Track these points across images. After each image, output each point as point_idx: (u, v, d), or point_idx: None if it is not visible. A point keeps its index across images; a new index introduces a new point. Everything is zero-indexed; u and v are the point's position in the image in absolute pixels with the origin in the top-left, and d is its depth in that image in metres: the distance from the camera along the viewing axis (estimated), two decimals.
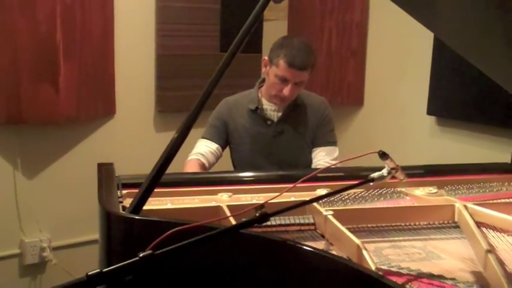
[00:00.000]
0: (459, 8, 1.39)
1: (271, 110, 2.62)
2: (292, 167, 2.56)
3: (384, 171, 1.46)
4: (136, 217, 1.44)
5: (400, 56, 3.43)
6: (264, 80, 2.66)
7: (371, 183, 1.45)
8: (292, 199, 1.87)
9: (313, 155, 2.64)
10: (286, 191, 1.47)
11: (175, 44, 3.33)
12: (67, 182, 3.10)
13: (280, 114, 2.61)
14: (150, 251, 1.12)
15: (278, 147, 2.61)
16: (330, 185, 2.01)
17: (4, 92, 2.78)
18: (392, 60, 3.51)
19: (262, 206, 1.27)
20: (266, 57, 2.56)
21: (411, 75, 3.38)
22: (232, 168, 2.73)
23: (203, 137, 2.64)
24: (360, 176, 1.67)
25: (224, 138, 2.65)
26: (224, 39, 3.34)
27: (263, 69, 2.59)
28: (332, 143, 2.67)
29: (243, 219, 1.25)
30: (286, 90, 2.48)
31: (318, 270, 1.26)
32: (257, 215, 1.25)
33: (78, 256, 3.11)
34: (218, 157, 2.64)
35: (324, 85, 3.70)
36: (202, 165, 2.54)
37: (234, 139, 2.65)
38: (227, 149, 2.72)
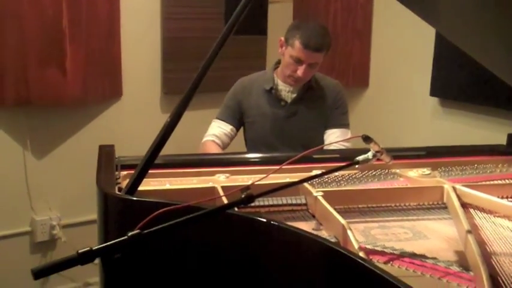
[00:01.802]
0: (460, 5, 1.43)
1: (286, 91, 2.65)
2: (305, 148, 2.60)
3: (369, 154, 1.50)
4: (131, 198, 1.50)
5: (404, 37, 3.44)
6: (279, 62, 2.69)
7: (356, 166, 1.49)
8: (288, 180, 1.92)
9: (325, 136, 2.68)
10: (273, 172, 1.51)
11: (180, 27, 3.37)
12: (75, 162, 3.17)
13: (294, 95, 2.65)
14: (138, 231, 1.18)
15: (291, 128, 2.65)
16: (326, 166, 2.03)
17: (12, 74, 2.85)
18: (396, 41, 3.52)
19: (248, 187, 1.32)
20: (282, 38, 2.59)
21: (415, 56, 3.39)
22: (244, 147, 2.78)
23: (217, 118, 2.70)
24: (353, 158, 1.70)
25: (238, 118, 2.70)
26: (227, 21, 3.37)
27: (279, 50, 2.62)
28: (345, 125, 2.71)
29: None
30: (300, 71, 2.52)
31: (296, 247, 1.31)
32: (243, 196, 1.30)
33: (86, 234, 3.17)
34: (232, 138, 2.70)
35: (330, 66, 3.71)
36: (217, 147, 2.60)
37: (248, 118, 2.70)
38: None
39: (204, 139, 2.65)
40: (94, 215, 3.16)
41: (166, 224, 1.19)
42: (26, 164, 3.08)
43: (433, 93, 3.24)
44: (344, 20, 3.69)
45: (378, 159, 1.54)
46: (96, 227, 3.18)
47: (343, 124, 2.70)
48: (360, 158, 1.50)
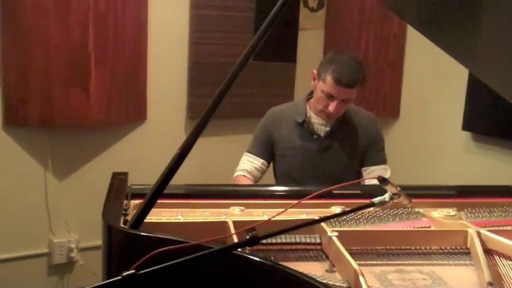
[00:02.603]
0: (495, 48, 1.37)
1: (319, 124, 2.56)
2: (336, 184, 2.52)
3: (386, 196, 1.42)
4: (134, 232, 1.44)
5: (437, 68, 3.35)
6: (312, 92, 2.60)
7: (371, 208, 1.41)
8: (304, 216, 1.85)
9: (365, 174, 2.59)
10: (290, 208, 1.46)
11: (208, 52, 3.34)
12: (96, 185, 3.12)
13: (327, 129, 2.56)
14: (133, 271, 1.13)
15: (323, 163, 2.55)
16: (345, 202, 1.98)
17: (36, 95, 2.86)
18: (429, 72, 3.44)
19: (253, 228, 1.26)
20: (315, 71, 2.51)
21: (448, 88, 3.30)
22: (273, 179, 2.71)
23: (248, 151, 2.63)
24: (376, 195, 1.62)
25: (269, 151, 2.63)
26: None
27: (312, 82, 2.54)
28: (383, 161, 2.63)
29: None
30: (332, 107, 2.43)
31: None
32: (247, 237, 1.24)
33: None
34: (264, 171, 2.63)
35: (360, 96, 3.61)
36: (249, 182, 2.54)
37: (278, 150, 2.62)
38: None
39: (236, 174, 2.58)
40: None
41: (163, 265, 1.14)
42: (46, 185, 3.07)
43: (465, 127, 3.14)
44: (376, 49, 3.62)
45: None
46: None
47: (381, 161, 2.62)
48: (376, 200, 1.42)
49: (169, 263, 1.12)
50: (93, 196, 3.14)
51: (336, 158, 2.57)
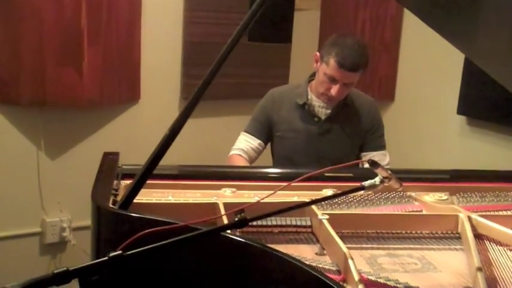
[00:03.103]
0: (494, 33, 1.35)
1: (320, 107, 2.54)
2: None
3: (377, 180, 1.41)
4: (122, 212, 1.43)
5: (433, 52, 3.33)
6: (314, 74, 2.58)
7: (362, 191, 1.41)
8: (296, 198, 1.85)
9: (364, 159, 2.57)
10: (280, 189, 1.45)
11: (202, 32, 3.32)
12: (88, 165, 3.09)
13: (328, 111, 2.54)
14: (119, 252, 1.12)
15: (322, 145, 2.54)
16: (337, 185, 1.97)
17: (29, 74, 2.83)
18: (425, 56, 3.41)
19: (242, 210, 1.24)
20: (318, 53, 2.49)
21: (443, 72, 3.29)
22: (267, 161, 2.70)
23: (245, 131, 2.61)
24: (368, 178, 1.61)
25: (267, 132, 2.61)
26: (252, 28, 3.30)
27: (314, 65, 2.51)
28: (382, 147, 2.63)
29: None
30: (334, 90, 2.42)
31: (290, 277, 1.23)
32: (236, 219, 1.23)
33: None
34: (260, 152, 2.62)
35: None
36: (244, 162, 2.53)
37: (277, 132, 2.60)
38: None
39: (231, 152, 2.57)
40: None
41: (151, 246, 1.13)
42: (39, 165, 3.06)
43: (460, 111, 3.13)
44: (372, 31, 3.59)
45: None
46: None
47: (380, 146, 2.63)
48: (367, 183, 1.41)
49: (156, 244, 1.11)
50: (86, 176, 3.12)
51: (336, 141, 2.56)
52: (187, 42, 3.31)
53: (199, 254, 1.30)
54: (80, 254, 3.07)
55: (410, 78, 3.55)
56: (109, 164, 1.86)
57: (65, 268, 1.08)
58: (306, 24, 3.68)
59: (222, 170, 2.11)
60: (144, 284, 1.39)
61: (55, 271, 1.07)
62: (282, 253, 1.28)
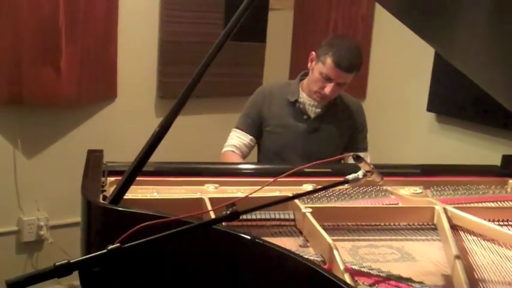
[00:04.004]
0: (463, 28, 1.41)
1: (310, 105, 2.60)
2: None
3: (360, 174, 1.47)
4: (114, 208, 1.47)
5: (403, 51, 3.43)
6: (305, 74, 2.64)
7: (345, 185, 1.47)
8: (278, 193, 1.90)
9: (347, 159, 2.65)
10: (266, 186, 1.50)
11: (178, 31, 3.35)
12: (66, 163, 3.14)
13: (318, 110, 2.60)
14: (118, 244, 1.15)
15: (311, 143, 2.60)
16: (317, 180, 2.02)
17: (6, 72, 2.82)
18: (395, 55, 3.51)
19: (233, 203, 1.29)
20: (314, 53, 2.55)
21: (413, 71, 3.38)
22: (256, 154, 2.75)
23: (237, 127, 2.65)
24: (346, 174, 1.67)
25: (258, 128, 2.65)
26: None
27: (309, 64, 2.57)
28: (365, 149, 2.72)
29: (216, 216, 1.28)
30: (327, 89, 2.48)
31: (279, 267, 1.29)
32: (228, 212, 1.28)
33: (73, 235, 3.13)
34: (252, 148, 2.67)
35: None
36: (238, 158, 2.58)
37: (267, 127, 2.65)
38: None
39: (224, 149, 2.61)
40: None
41: (148, 238, 1.17)
42: (15, 163, 3.05)
43: (430, 108, 3.23)
44: (344, 30, 3.67)
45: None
46: None
47: (363, 148, 2.72)
48: (350, 177, 1.47)
49: (154, 236, 1.15)
50: (63, 174, 3.16)
51: (323, 140, 2.63)
52: (163, 41, 3.35)
53: (193, 246, 1.35)
54: (57, 252, 3.08)
55: (382, 76, 3.64)
56: (95, 161, 1.88)
57: (66, 260, 1.11)
58: (279, 23, 3.75)
59: (205, 166, 2.15)
60: (137, 276, 1.43)
61: (57, 263, 1.10)
62: (274, 244, 1.34)
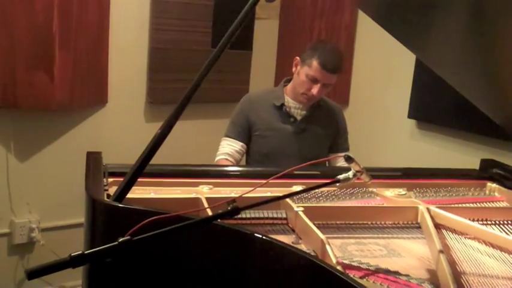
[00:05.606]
0: (445, 36, 1.51)
1: (295, 108, 2.72)
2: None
3: (350, 174, 1.57)
4: (119, 205, 1.54)
5: (385, 60, 3.53)
6: (288, 80, 2.78)
7: (337, 184, 1.56)
8: (269, 194, 1.98)
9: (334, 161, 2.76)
10: (259, 186, 1.59)
11: (168, 38, 3.43)
12: (58, 167, 3.20)
13: (304, 112, 2.72)
14: (128, 237, 1.23)
15: (299, 144, 2.72)
16: (306, 182, 2.10)
17: (0, 77, 2.87)
18: (377, 63, 3.61)
19: (234, 200, 1.38)
20: (298, 58, 2.67)
21: (395, 79, 3.49)
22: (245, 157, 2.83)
23: (227, 135, 2.75)
24: (334, 176, 1.76)
25: (247, 134, 2.75)
26: (216, 35, 3.44)
27: (293, 69, 2.69)
28: (347, 149, 2.85)
29: (218, 211, 1.36)
30: (314, 90, 2.59)
31: (279, 260, 1.37)
32: (229, 208, 1.37)
33: (65, 238, 3.21)
34: (243, 154, 2.76)
35: None
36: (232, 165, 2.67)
37: (256, 131, 2.74)
38: None
39: (217, 158, 2.70)
40: (73, 220, 3.23)
41: (157, 231, 1.24)
42: (8, 166, 3.10)
43: (410, 115, 3.33)
44: (327, 39, 3.76)
45: (358, 178, 1.61)
46: (75, 232, 3.24)
47: (346, 148, 2.85)
48: (341, 176, 1.57)
49: (163, 229, 1.23)
50: (55, 178, 3.22)
51: (310, 140, 2.74)
52: (153, 48, 3.42)
53: (196, 240, 1.43)
54: (49, 254, 3.13)
55: (364, 84, 3.74)
56: (95, 162, 1.95)
57: (80, 252, 1.19)
58: (265, 32, 3.85)
59: (200, 168, 2.23)
60: (142, 272, 1.50)
61: (72, 254, 1.18)
62: (272, 238, 1.43)
